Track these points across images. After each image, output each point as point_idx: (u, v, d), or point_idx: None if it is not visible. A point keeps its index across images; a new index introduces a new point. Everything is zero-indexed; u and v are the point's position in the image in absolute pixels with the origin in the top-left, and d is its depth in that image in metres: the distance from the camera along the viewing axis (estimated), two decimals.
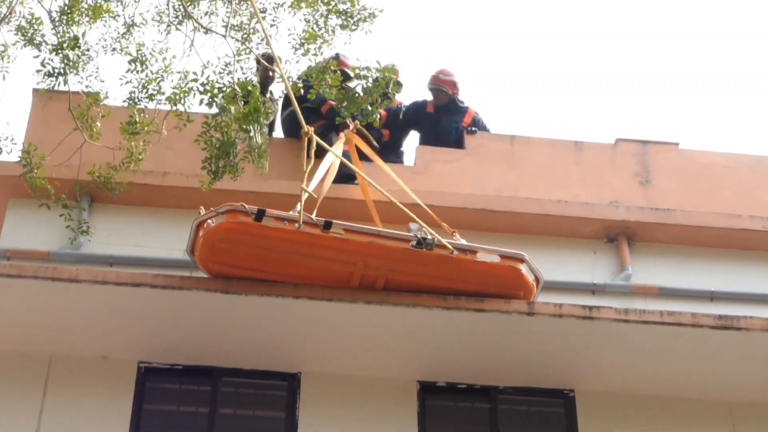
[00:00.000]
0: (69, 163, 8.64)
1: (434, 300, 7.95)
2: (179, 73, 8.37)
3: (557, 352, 8.48)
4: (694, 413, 8.88)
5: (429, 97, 10.63)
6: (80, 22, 8.47)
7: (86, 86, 8.56)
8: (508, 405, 8.85)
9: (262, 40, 8.65)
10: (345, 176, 9.17)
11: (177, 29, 8.72)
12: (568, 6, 25.46)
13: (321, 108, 9.68)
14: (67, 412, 8.28)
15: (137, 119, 8.35)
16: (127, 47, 8.66)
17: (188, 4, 8.60)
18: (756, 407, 8.95)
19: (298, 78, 8.64)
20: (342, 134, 9.07)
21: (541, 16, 25.57)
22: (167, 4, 8.80)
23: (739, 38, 25.58)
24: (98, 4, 8.61)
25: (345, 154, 9.04)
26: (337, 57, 9.55)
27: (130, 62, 8.43)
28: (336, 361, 8.60)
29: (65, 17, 8.36)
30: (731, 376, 8.68)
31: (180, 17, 8.77)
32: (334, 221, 7.82)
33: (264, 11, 8.72)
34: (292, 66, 8.54)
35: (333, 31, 8.62)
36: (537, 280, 8.19)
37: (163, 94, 8.31)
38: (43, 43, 8.44)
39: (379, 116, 8.91)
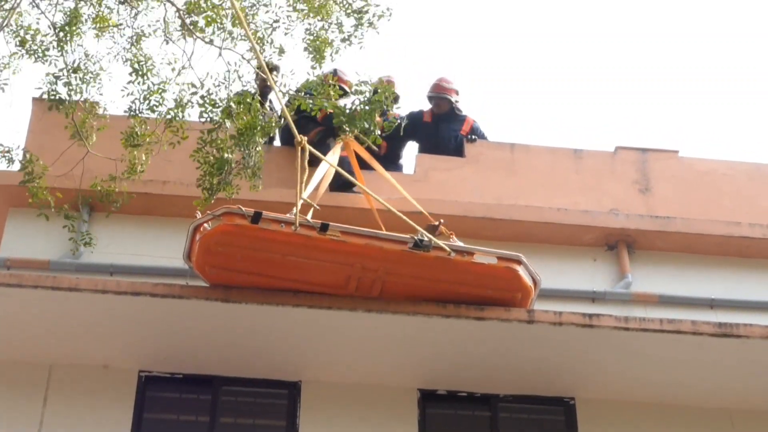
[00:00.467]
0: (72, 173, 8.64)
1: (434, 308, 7.96)
2: (179, 84, 8.40)
3: (557, 360, 8.48)
4: (694, 420, 8.88)
5: (425, 106, 10.63)
6: (82, 33, 8.48)
7: (86, 97, 8.56)
8: (508, 413, 8.85)
9: (267, 51, 8.65)
10: (344, 184, 9.17)
11: (181, 38, 8.72)
12: (568, 6, 25.52)
13: (317, 115, 9.68)
14: (68, 421, 8.28)
15: (138, 131, 8.35)
16: (131, 58, 8.67)
17: (187, 16, 8.59)
18: (756, 414, 8.95)
19: (297, 90, 8.64)
20: (339, 140, 9.08)
21: (541, 16, 25.63)
22: (165, 17, 8.82)
23: (739, 39, 25.63)
24: (101, 15, 8.63)
25: (344, 160, 9.05)
26: (335, 72, 9.57)
27: (131, 73, 8.44)
28: (336, 369, 8.60)
29: (67, 32, 8.36)
30: (731, 383, 8.68)
31: (180, 29, 8.78)
32: (330, 223, 7.82)
33: (277, 21, 8.73)
34: (294, 76, 8.58)
35: (348, 36, 8.62)
36: (534, 282, 8.19)
37: (165, 106, 8.32)
38: (46, 57, 8.44)
39: (380, 133, 8.93)
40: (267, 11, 8.73)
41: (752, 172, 10.51)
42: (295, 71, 8.53)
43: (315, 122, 9.71)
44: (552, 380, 8.72)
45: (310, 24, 8.67)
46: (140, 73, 8.43)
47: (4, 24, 8.43)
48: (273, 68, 8.71)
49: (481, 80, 23.31)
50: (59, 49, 8.42)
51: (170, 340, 8.31)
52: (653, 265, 9.76)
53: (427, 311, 7.95)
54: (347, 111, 8.50)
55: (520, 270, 8.06)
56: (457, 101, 10.53)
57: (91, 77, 8.54)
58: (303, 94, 8.59)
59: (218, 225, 7.72)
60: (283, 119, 9.77)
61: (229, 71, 8.28)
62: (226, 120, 7.87)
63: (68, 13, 8.54)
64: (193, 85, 8.18)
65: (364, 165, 9.26)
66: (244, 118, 7.91)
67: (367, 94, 8.48)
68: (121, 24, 8.80)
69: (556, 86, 25.41)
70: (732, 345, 8.22)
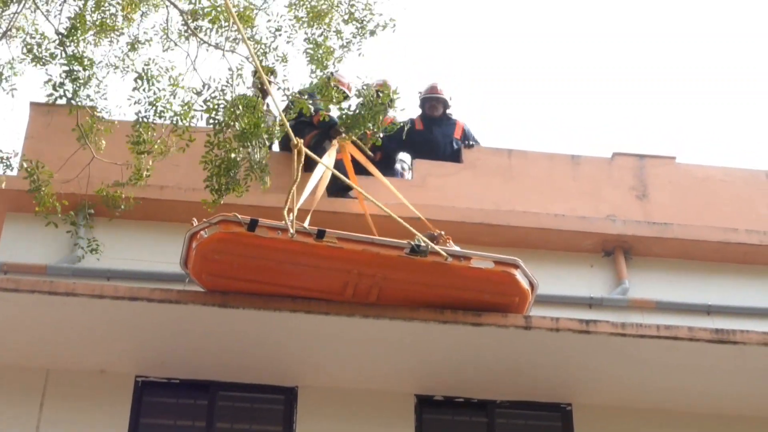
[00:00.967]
0: (77, 180, 8.63)
1: (431, 314, 7.96)
2: (183, 88, 8.38)
3: (554, 366, 8.48)
4: (691, 426, 8.88)
5: (415, 113, 10.59)
6: (86, 39, 8.47)
7: (90, 100, 8.54)
8: (505, 419, 8.85)
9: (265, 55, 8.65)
10: (340, 188, 9.17)
11: (184, 42, 8.72)
12: (567, 7, 25.56)
13: (312, 119, 9.68)
14: (64, 426, 8.27)
15: (144, 137, 8.32)
16: (133, 64, 8.67)
17: (190, 20, 8.59)
18: (753, 420, 8.95)
19: (298, 92, 8.64)
20: (335, 142, 9.09)
21: (540, 17, 25.67)
22: (166, 21, 8.83)
23: (738, 40, 25.66)
24: (104, 21, 8.62)
25: (339, 163, 9.05)
26: (333, 75, 9.56)
27: (136, 80, 8.41)
28: (333, 374, 8.60)
29: (72, 37, 8.34)
30: (728, 389, 8.68)
31: (182, 33, 8.78)
32: (327, 230, 7.82)
33: (279, 29, 8.73)
34: (289, 82, 8.57)
35: (347, 43, 8.61)
36: (532, 285, 8.18)
37: (172, 111, 8.29)
38: (50, 61, 8.43)
39: (380, 136, 8.94)
40: (269, 20, 8.73)
41: (749, 178, 10.52)
42: (288, 78, 8.54)
43: (311, 126, 9.71)
44: (549, 386, 8.72)
45: (306, 33, 8.66)
46: (145, 79, 8.40)
47: (9, 28, 8.43)
48: (270, 71, 8.70)
49: (480, 80, 23.39)
50: (63, 51, 8.39)
51: (167, 345, 8.31)
52: (650, 271, 9.77)
53: (424, 317, 7.95)
54: (351, 114, 8.51)
55: (518, 274, 8.06)
56: (450, 105, 10.54)
57: (96, 81, 8.52)
58: (304, 97, 8.59)
59: (214, 233, 7.71)
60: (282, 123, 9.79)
61: (232, 74, 8.28)
62: (231, 121, 7.84)
63: (73, 18, 8.51)
64: (198, 92, 8.17)
65: (360, 170, 9.27)
66: (245, 119, 7.89)
67: (369, 97, 8.47)
68: (123, 29, 8.79)
69: (555, 87, 25.50)
70: (729, 351, 8.22)
